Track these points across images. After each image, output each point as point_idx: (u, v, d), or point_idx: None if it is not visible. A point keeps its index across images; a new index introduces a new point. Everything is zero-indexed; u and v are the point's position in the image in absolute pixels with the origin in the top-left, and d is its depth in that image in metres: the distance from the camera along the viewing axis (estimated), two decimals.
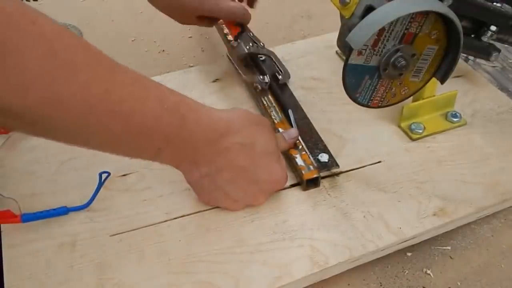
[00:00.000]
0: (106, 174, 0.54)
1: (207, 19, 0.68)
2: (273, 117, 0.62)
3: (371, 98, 0.56)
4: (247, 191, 0.51)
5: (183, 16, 0.68)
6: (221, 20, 0.76)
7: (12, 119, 0.36)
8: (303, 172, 0.54)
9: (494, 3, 0.59)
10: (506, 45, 0.65)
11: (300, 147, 0.57)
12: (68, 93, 0.36)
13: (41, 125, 0.38)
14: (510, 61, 0.82)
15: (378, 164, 0.58)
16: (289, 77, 0.68)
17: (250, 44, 0.68)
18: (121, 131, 0.41)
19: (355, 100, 0.56)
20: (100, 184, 0.53)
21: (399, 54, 0.52)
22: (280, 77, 0.67)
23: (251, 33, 0.69)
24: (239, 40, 0.68)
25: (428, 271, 0.51)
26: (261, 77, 0.66)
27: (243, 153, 0.48)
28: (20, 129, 0.39)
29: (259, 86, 0.65)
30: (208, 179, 0.49)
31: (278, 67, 0.69)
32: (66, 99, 0.36)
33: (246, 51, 0.67)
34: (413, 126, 0.61)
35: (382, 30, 0.50)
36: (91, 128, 0.40)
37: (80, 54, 0.38)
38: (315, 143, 0.59)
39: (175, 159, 0.48)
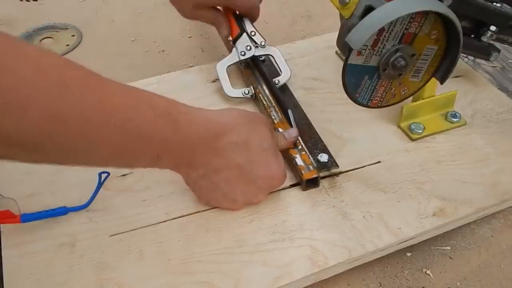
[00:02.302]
0: (105, 174, 0.54)
1: (214, 11, 0.69)
2: (272, 117, 0.62)
3: (371, 98, 0.56)
4: (245, 190, 0.51)
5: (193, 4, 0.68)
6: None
7: (13, 147, 0.36)
8: (302, 172, 0.54)
9: (494, 3, 0.59)
10: (506, 45, 0.65)
11: (300, 147, 0.57)
12: (64, 108, 0.37)
13: (42, 146, 0.38)
14: (510, 61, 0.82)
15: (377, 164, 0.58)
16: (290, 76, 0.68)
17: (248, 48, 0.68)
18: (120, 141, 0.41)
19: (354, 100, 0.56)
20: (100, 184, 0.53)
21: (398, 54, 0.52)
22: (278, 79, 0.67)
23: (253, 32, 0.69)
24: (235, 45, 0.68)
25: (428, 271, 0.51)
26: (245, 91, 0.66)
27: (238, 152, 0.48)
28: (21, 157, 0.39)
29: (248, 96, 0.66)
30: (206, 179, 0.49)
31: (277, 67, 0.69)
32: (63, 114, 0.37)
33: (238, 59, 0.68)
34: (412, 126, 0.61)
35: (381, 30, 0.50)
36: (91, 141, 0.40)
37: (67, 69, 0.38)
38: (314, 143, 0.59)
39: (173, 164, 0.48)
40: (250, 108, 0.66)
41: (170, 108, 0.45)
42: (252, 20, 0.69)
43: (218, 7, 0.70)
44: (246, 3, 0.67)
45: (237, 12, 0.70)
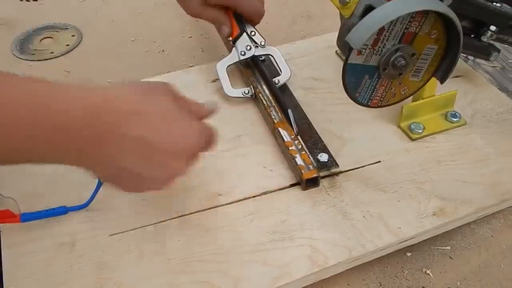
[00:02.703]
0: None
1: (218, 10, 0.68)
2: (272, 116, 0.62)
3: (371, 97, 0.56)
4: (161, 164, 0.45)
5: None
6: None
7: None
8: (302, 171, 0.54)
9: (494, 3, 0.59)
10: (506, 45, 0.65)
11: (300, 146, 0.57)
12: None
13: None
14: (510, 61, 0.82)
15: (377, 164, 0.58)
16: (290, 76, 0.68)
17: (248, 48, 0.68)
18: None
19: (355, 99, 0.56)
20: (100, 184, 0.53)
21: (398, 53, 0.52)
22: (278, 79, 0.67)
23: (253, 32, 0.69)
24: (235, 45, 0.68)
25: (428, 271, 0.51)
26: (245, 91, 0.66)
27: (135, 125, 0.43)
28: None
29: (248, 96, 0.66)
30: (114, 169, 0.44)
31: (277, 67, 0.69)
32: None
33: (238, 59, 0.68)
34: (412, 126, 0.61)
35: (381, 29, 0.50)
36: None
37: None
38: (314, 143, 0.59)
39: (63, 156, 0.43)
40: (250, 107, 0.66)
41: (39, 88, 0.40)
42: (252, 24, 0.69)
43: (223, 7, 0.69)
44: (251, 7, 0.67)
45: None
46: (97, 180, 0.53)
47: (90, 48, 0.85)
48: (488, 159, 0.58)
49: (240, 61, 0.69)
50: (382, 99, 0.57)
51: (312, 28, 0.88)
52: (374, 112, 0.62)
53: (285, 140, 0.58)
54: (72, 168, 0.57)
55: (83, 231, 0.51)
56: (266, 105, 0.64)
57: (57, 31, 0.88)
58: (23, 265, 0.48)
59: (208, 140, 0.48)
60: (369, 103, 0.57)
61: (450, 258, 0.52)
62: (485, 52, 0.63)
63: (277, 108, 0.63)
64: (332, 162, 0.56)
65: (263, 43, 0.69)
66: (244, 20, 0.69)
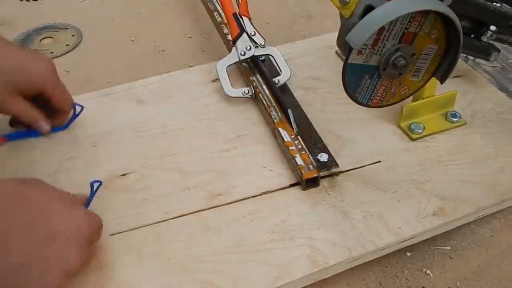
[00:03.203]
0: (97, 184, 0.53)
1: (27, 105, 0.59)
2: (272, 116, 0.62)
3: (371, 97, 0.56)
4: (52, 254, 0.42)
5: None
6: (220, 19, 0.77)
7: None
8: (302, 171, 0.54)
9: (494, 3, 0.59)
10: (506, 45, 0.65)
11: (300, 146, 0.57)
12: None
13: None
14: (510, 61, 0.82)
15: (377, 164, 0.58)
16: (290, 76, 0.68)
17: (247, 48, 0.68)
18: None
19: (355, 99, 0.56)
20: (99, 184, 0.53)
21: (398, 53, 0.52)
22: (278, 79, 0.67)
23: (253, 32, 0.69)
24: (235, 45, 0.68)
25: (428, 271, 0.51)
26: (245, 91, 0.66)
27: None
28: None
29: (248, 96, 0.66)
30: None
31: (277, 67, 0.69)
32: None
33: (238, 59, 0.68)
34: (412, 126, 0.61)
35: (382, 29, 0.50)
36: None
37: None
38: (314, 143, 0.59)
39: None
40: (250, 107, 0.66)
41: None
42: (64, 113, 0.62)
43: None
44: (64, 98, 0.61)
45: (237, 12, 0.70)
46: (95, 184, 0.53)
47: (90, 48, 0.85)
48: (488, 159, 0.58)
49: (240, 61, 0.69)
50: (382, 99, 0.57)
51: (312, 28, 0.88)
52: (374, 112, 0.62)
53: (285, 140, 0.58)
54: (72, 168, 0.58)
55: None
56: (266, 105, 0.64)
57: (57, 31, 0.88)
58: None
59: (95, 226, 0.47)
60: (369, 103, 0.57)
61: (450, 258, 0.52)
62: (485, 52, 0.63)
63: (277, 108, 0.63)
64: (332, 162, 0.56)
65: (263, 43, 0.69)
66: (242, 17, 0.69)
